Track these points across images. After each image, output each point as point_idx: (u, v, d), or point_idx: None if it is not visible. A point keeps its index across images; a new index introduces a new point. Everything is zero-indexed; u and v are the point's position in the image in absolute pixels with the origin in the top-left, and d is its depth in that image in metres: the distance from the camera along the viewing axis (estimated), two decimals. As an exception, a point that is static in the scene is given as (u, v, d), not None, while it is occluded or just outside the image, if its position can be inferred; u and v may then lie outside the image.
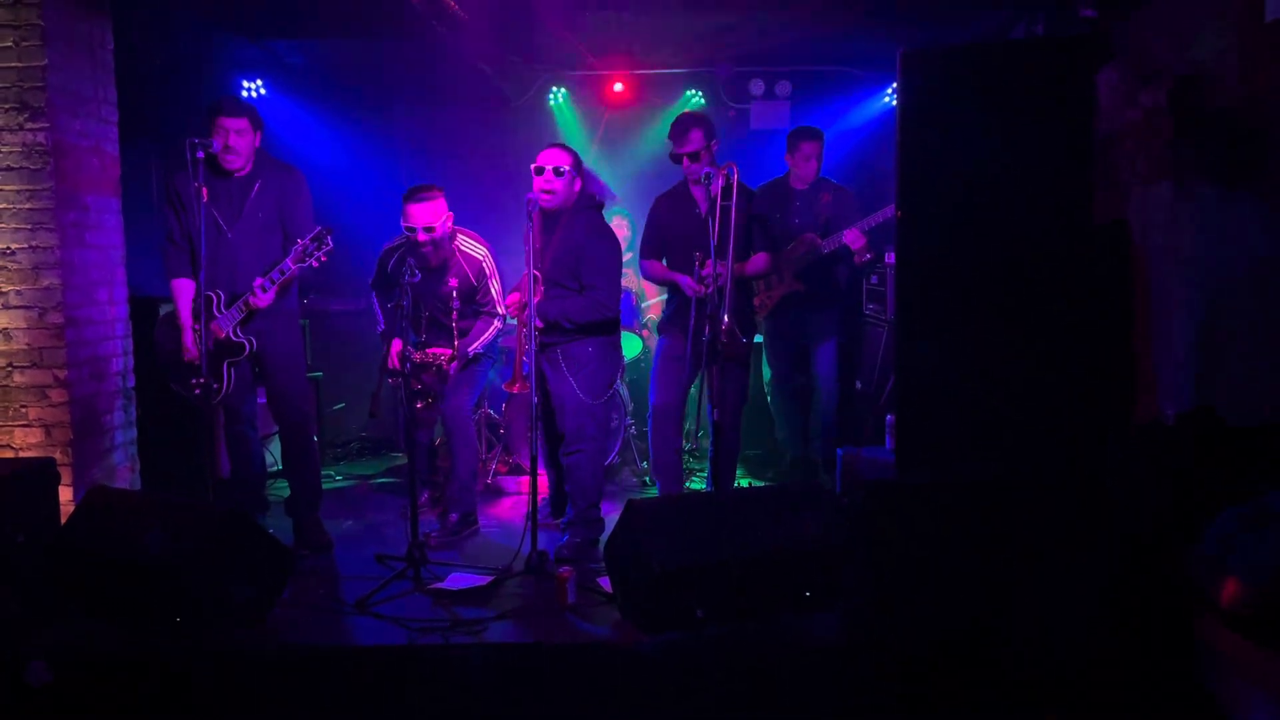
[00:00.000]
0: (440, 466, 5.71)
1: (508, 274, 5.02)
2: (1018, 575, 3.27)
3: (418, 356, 4.65)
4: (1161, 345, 4.28)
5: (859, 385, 6.09)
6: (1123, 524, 3.20)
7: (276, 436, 5.16)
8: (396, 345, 4.62)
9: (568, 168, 4.49)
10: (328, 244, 4.36)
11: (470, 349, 4.79)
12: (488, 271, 4.82)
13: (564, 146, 4.62)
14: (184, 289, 4.51)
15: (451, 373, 4.73)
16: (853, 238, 5.45)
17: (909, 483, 3.45)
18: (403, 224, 4.64)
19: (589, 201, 4.68)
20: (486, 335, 4.86)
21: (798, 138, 5.79)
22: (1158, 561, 3.03)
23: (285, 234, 4.57)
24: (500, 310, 4.84)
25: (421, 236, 4.60)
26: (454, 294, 4.65)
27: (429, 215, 4.58)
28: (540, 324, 4.43)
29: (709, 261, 4.35)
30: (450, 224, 4.72)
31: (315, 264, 4.38)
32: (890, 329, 5.53)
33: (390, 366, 4.63)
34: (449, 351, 4.66)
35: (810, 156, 5.75)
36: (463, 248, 4.79)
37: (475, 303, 4.85)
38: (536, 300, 4.41)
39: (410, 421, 4.56)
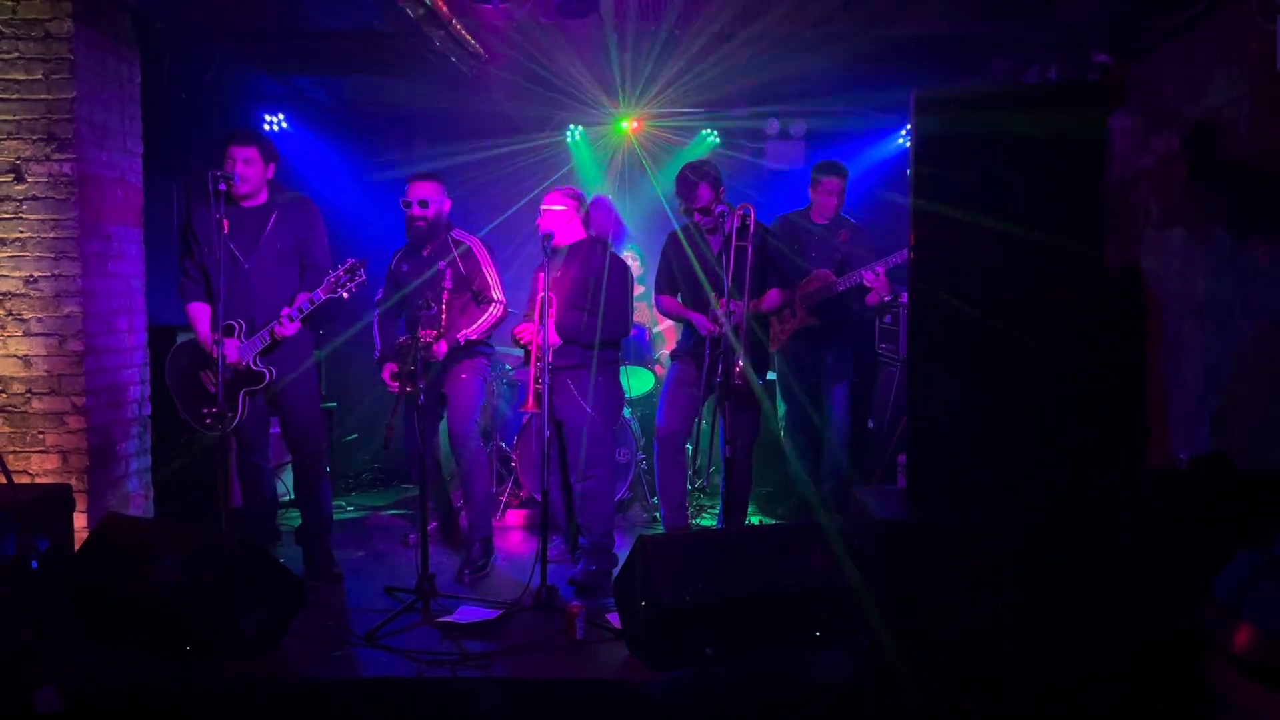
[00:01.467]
0: (456, 507, 5.72)
1: (517, 304, 5.11)
2: (1028, 617, 3.26)
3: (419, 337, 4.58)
4: (1175, 389, 4.27)
5: (871, 424, 6.09)
6: (1135, 569, 3.18)
7: (288, 466, 5.19)
8: (389, 368, 4.83)
9: (569, 205, 4.80)
10: (360, 276, 4.42)
11: (464, 335, 4.78)
12: (479, 256, 4.91)
13: (564, 190, 4.90)
14: (200, 312, 4.56)
15: (439, 356, 4.70)
16: (871, 277, 5.46)
17: (920, 523, 3.44)
18: (401, 202, 4.86)
19: (596, 237, 4.94)
20: (485, 321, 4.85)
21: (821, 172, 5.81)
22: (1170, 607, 3.01)
23: (302, 265, 4.63)
24: (497, 296, 4.89)
25: (416, 210, 4.81)
26: (450, 283, 4.71)
27: (426, 190, 4.84)
28: (557, 340, 4.63)
29: (723, 301, 4.38)
30: (446, 210, 4.92)
31: (346, 295, 4.43)
32: (903, 368, 5.54)
33: (391, 389, 4.69)
34: (433, 332, 4.61)
35: (832, 192, 5.76)
36: (454, 236, 4.95)
37: (473, 291, 4.88)
38: (551, 320, 4.58)
39: (423, 440, 4.54)
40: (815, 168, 5.89)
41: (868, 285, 5.50)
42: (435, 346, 4.59)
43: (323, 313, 4.59)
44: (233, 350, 4.42)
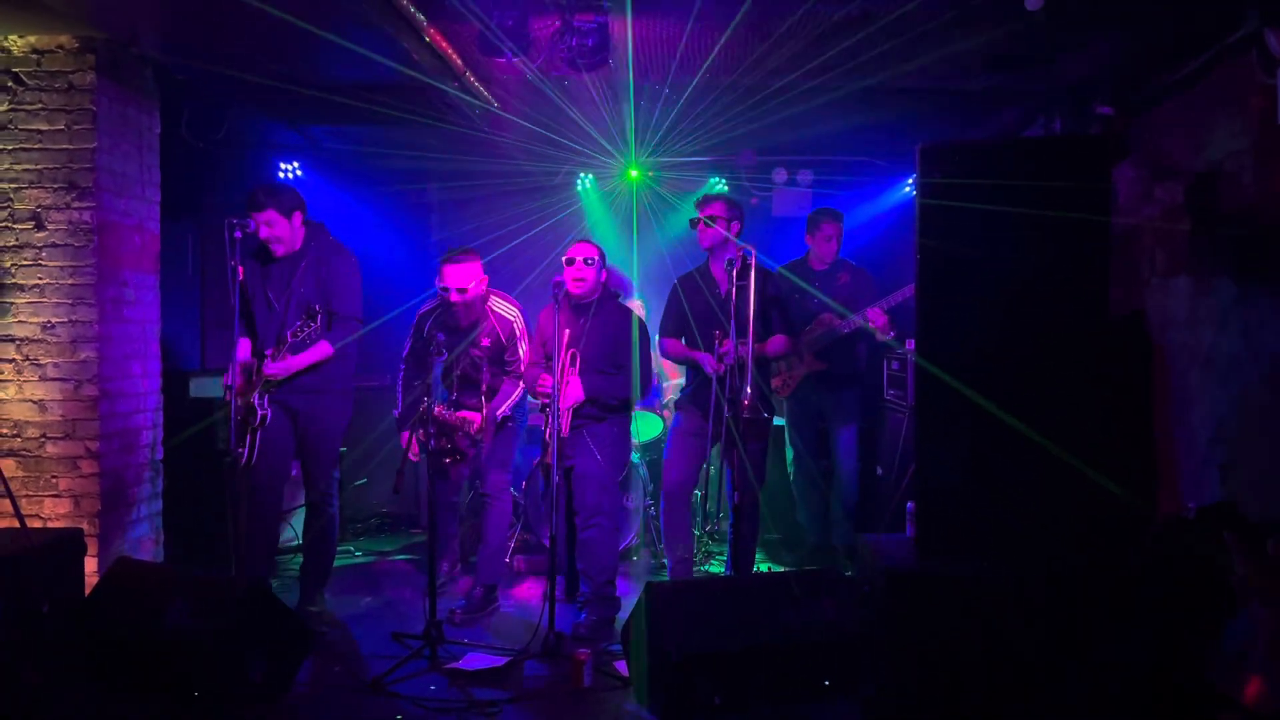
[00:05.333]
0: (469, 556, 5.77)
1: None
2: (1037, 669, 3.24)
3: (448, 416, 4.76)
4: (1182, 438, 4.28)
5: (879, 471, 6.09)
6: (1143, 619, 3.17)
7: (301, 509, 5.19)
8: (407, 435, 4.74)
9: (596, 259, 4.81)
10: (316, 322, 4.36)
11: (499, 411, 4.87)
12: (518, 332, 4.99)
13: (591, 241, 4.91)
14: (241, 347, 4.60)
15: (482, 439, 4.79)
16: (874, 315, 5.51)
17: (929, 571, 3.43)
18: (437, 284, 4.86)
19: (611, 291, 4.98)
20: (514, 397, 4.94)
21: (819, 218, 5.92)
22: (1179, 658, 3.00)
23: (329, 311, 4.67)
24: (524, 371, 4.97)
25: (454, 297, 4.80)
26: (486, 354, 4.85)
27: (462, 277, 4.80)
28: (581, 397, 4.69)
29: (728, 340, 4.42)
30: (484, 286, 4.93)
31: (313, 335, 4.42)
32: (911, 415, 5.56)
33: (409, 456, 4.63)
34: (478, 418, 4.77)
35: (831, 237, 5.87)
36: (496, 308, 4.99)
37: (503, 362, 4.97)
38: (571, 379, 4.67)
39: (433, 491, 4.57)
40: (812, 215, 5.99)
41: (870, 325, 5.55)
42: (475, 433, 4.74)
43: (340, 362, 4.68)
44: (243, 409, 4.48)
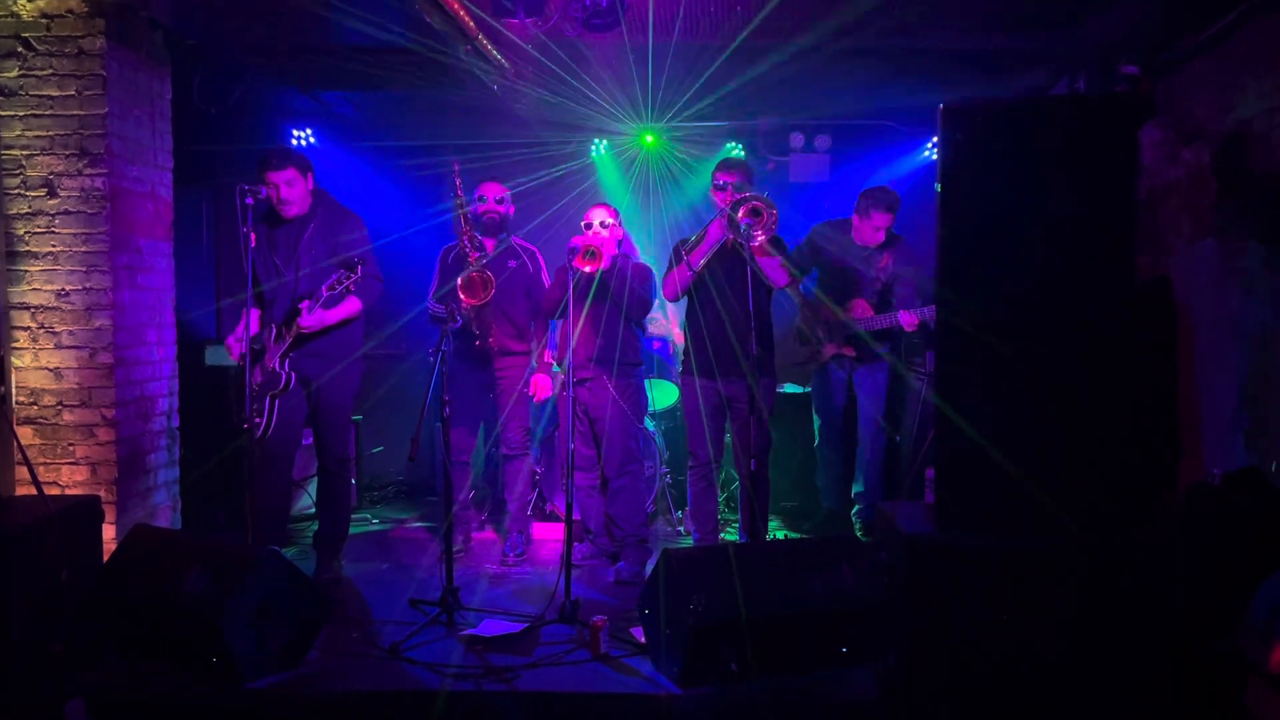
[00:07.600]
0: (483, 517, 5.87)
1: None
2: (1060, 638, 3.21)
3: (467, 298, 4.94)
4: (1208, 405, 4.22)
5: (897, 439, 6.04)
6: (1168, 587, 3.13)
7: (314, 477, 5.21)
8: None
9: (613, 222, 4.94)
10: (356, 273, 4.42)
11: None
12: (541, 264, 5.40)
13: (607, 205, 5.06)
14: (253, 318, 4.59)
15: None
16: (907, 320, 5.36)
17: (949, 539, 3.40)
18: (476, 199, 5.23)
19: (622, 253, 5.06)
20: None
21: (871, 207, 5.51)
22: (1205, 627, 2.96)
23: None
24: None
25: (492, 206, 5.20)
26: (515, 275, 5.25)
27: (501, 190, 5.28)
28: (598, 355, 4.94)
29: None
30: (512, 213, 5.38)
31: (352, 286, 4.44)
32: (930, 382, 5.49)
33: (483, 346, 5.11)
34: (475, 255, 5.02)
35: (880, 228, 5.54)
36: (516, 242, 5.40)
37: (527, 290, 5.30)
38: (597, 341, 4.90)
39: (446, 440, 4.52)
40: (864, 194, 5.59)
41: (904, 328, 5.39)
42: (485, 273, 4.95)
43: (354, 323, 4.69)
44: (260, 374, 4.52)
